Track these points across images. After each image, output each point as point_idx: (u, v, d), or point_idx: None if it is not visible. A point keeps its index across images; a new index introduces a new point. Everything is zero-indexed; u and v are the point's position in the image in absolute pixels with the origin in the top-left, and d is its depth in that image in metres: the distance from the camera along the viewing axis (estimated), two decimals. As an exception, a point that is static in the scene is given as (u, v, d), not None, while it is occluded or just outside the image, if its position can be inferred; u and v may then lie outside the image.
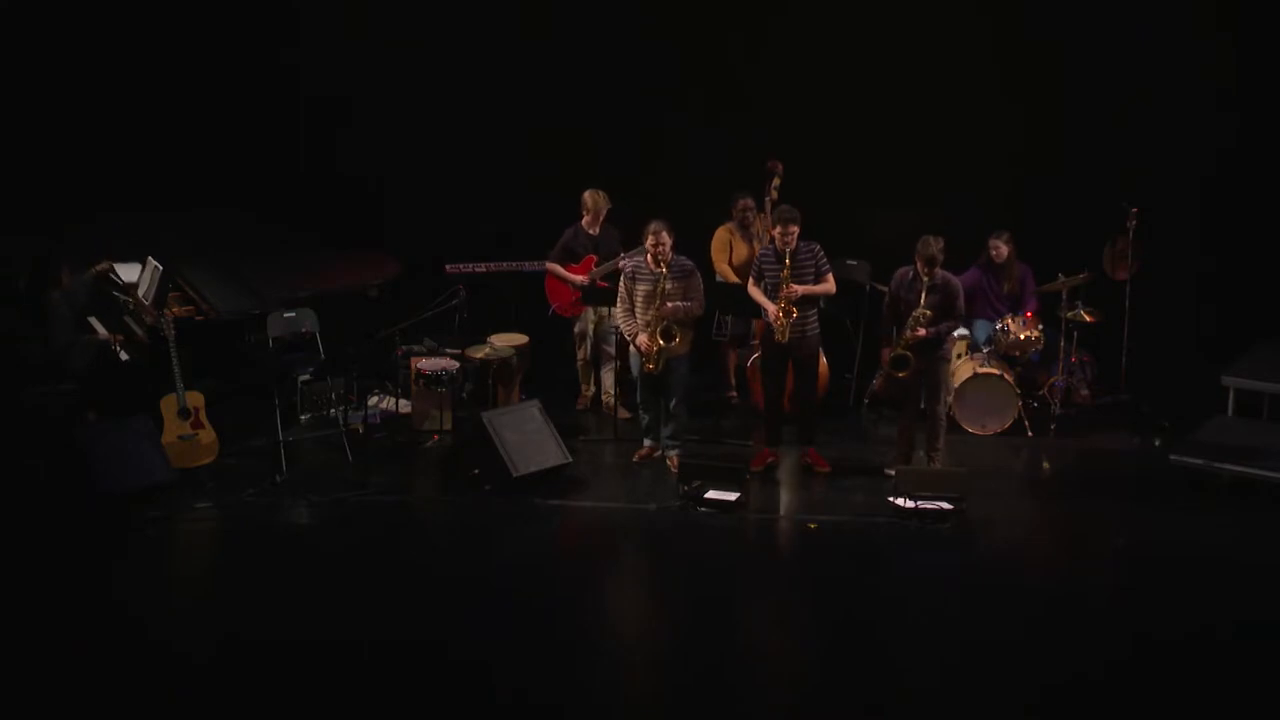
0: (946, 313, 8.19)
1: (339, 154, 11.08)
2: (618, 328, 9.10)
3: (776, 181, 9.41)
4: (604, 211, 9.38)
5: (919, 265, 8.13)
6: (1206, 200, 10.17)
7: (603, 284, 9.33)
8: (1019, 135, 10.19)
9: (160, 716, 5.95)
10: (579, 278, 9.37)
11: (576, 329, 9.61)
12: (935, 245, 8.06)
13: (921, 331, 8.09)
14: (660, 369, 8.41)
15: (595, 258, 9.36)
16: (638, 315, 8.43)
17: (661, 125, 10.68)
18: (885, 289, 8.48)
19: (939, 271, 8.13)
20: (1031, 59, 10.15)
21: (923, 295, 8.08)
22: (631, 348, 8.56)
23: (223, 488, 8.18)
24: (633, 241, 9.11)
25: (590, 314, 9.51)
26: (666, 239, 8.26)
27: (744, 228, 9.49)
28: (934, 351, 8.21)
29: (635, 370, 8.63)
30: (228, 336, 8.97)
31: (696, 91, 10.70)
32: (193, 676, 6.22)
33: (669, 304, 8.29)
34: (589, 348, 9.65)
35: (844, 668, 6.39)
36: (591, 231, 9.40)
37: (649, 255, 8.31)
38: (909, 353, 8.14)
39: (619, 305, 8.55)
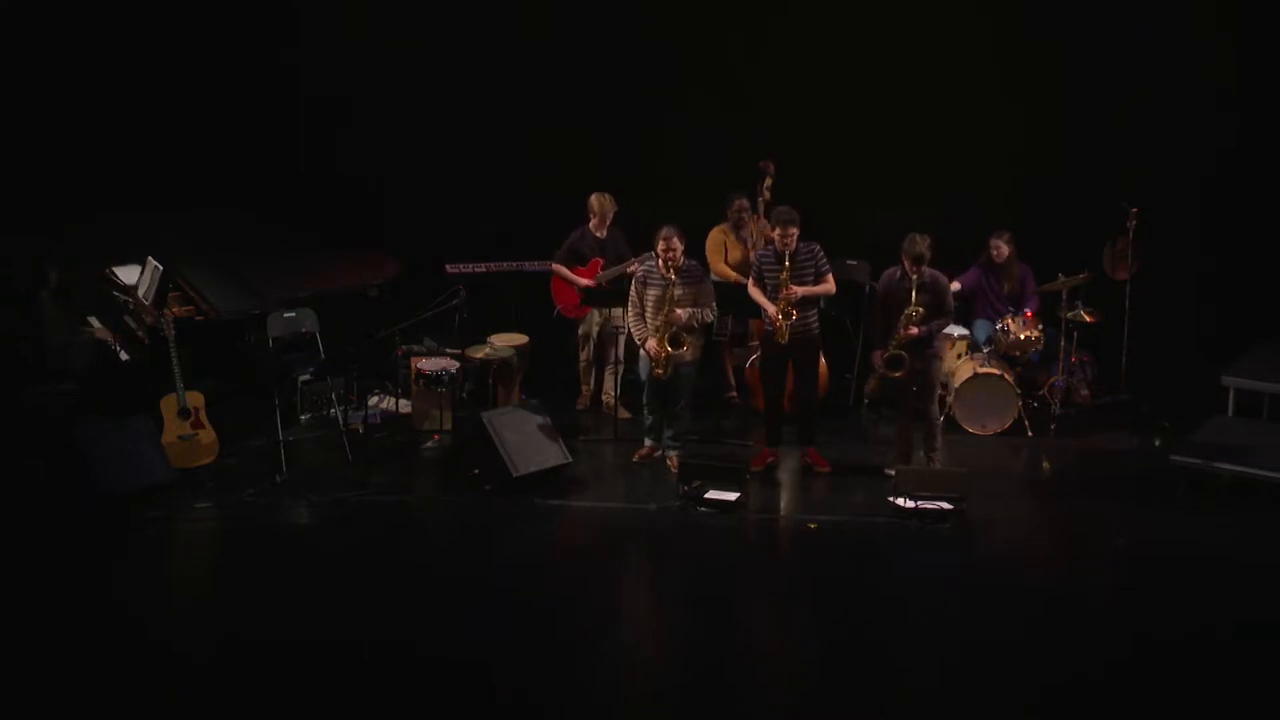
0: (937, 310, 8.19)
1: (339, 154, 11.08)
2: (619, 329, 9.13)
3: (768, 182, 9.39)
4: (610, 215, 9.38)
5: (906, 264, 8.11)
6: (1206, 200, 10.17)
7: (606, 286, 9.33)
8: (1019, 135, 10.20)
9: (160, 716, 5.95)
10: (584, 280, 9.36)
11: (580, 331, 9.61)
12: (922, 243, 8.05)
13: (914, 330, 8.08)
14: (669, 374, 8.41)
15: (601, 261, 9.35)
16: (647, 320, 8.42)
17: (661, 125, 10.68)
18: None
19: (927, 269, 8.12)
20: (1031, 59, 10.16)
21: (912, 294, 8.07)
22: (641, 351, 8.56)
23: (223, 488, 8.17)
24: (639, 244, 9.11)
25: (594, 316, 9.51)
26: (678, 245, 8.25)
27: (738, 229, 9.49)
28: (925, 350, 8.21)
29: (644, 374, 8.62)
30: (228, 336, 8.97)
31: (696, 91, 10.70)
32: (193, 676, 6.22)
33: (678, 311, 8.28)
34: (591, 349, 9.65)
35: (844, 668, 6.39)
36: (598, 235, 9.40)
37: (660, 260, 8.31)
38: (903, 352, 8.14)
39: (629, 309, 8.54)
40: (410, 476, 8.66)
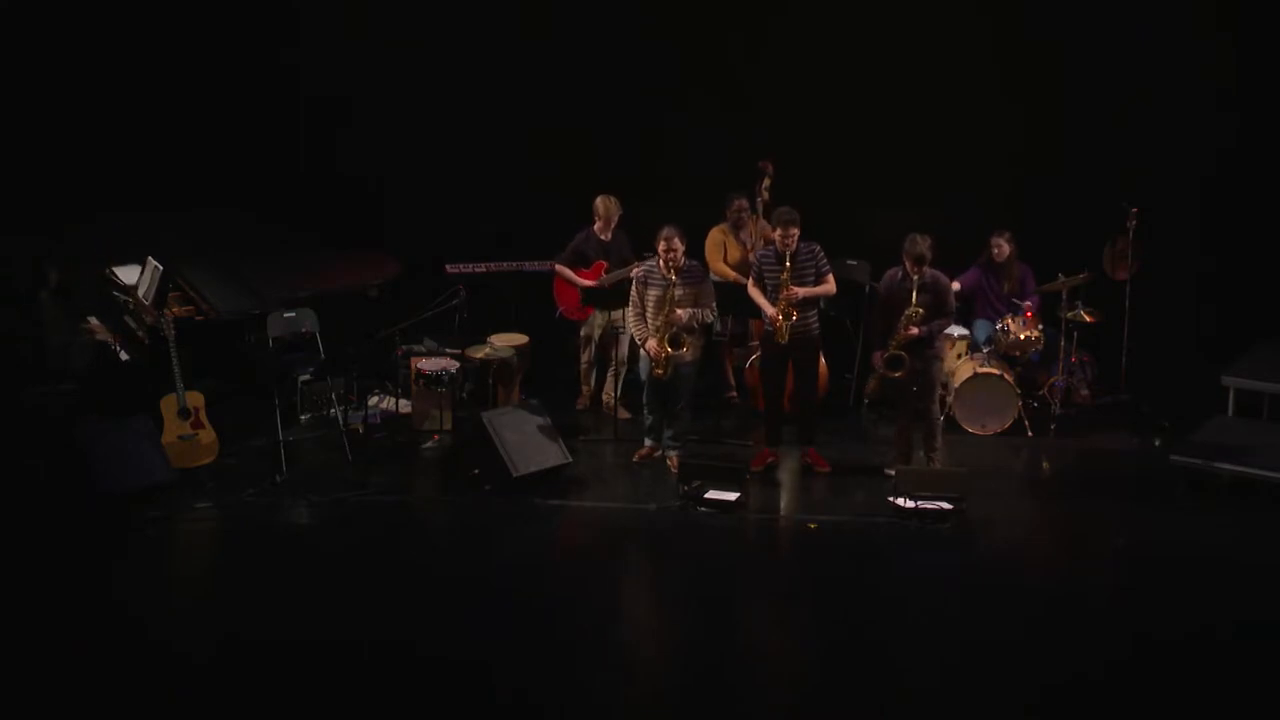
0: (938, 310, 8.19)
1: (339, 154, 11.08)
2: (620, 329, 9.13)
3: (767, 182, 9.36)
4: (615, 218, 9.37)
5: (907, 264, 8.11)
6: (1206, 200, 10.18)
7: (609, 287, 9.32)
8: (1019, 135, 10.20)
9: (160, 716, 5.95)
10: (587, 282, 9.36)
11: (582, 333, 9.60)
12: (923, 243, 8.05)
13: (914, 330, 8.08)
14: (669, 374, 8.41)
15: (605, 264, 9.34)
16: (648, 320, 8.42)
17: (661, 125, 10.68)
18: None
19: (928, 270, 8.12)
20: (1031, 59, 10.16)
21: (913, 294, 8.07)
22: (641, 351, 8.56)
23: (223, 488, 8.17)
24: (639, 244, 9.11)
25: (596, 318, 9.50)
26: (679, 245, 8.26)
27: (738, 229, 9.49)
28: (926, 350, 8.21)
29: (644, 373, 8.62)
30: (228, 336, 8.97)
31: (696, 91, 10.70)
32: (193, 676, 6.22)
33: (679, 311, 8.28)
34: (593, 351, 9.64)
35: (844, 668, 6.40)
36: (603, 237, 9.39)
37: (660, 261, 8.31)
38: (903, 352, 8.14)
39: (630, 309, 8.54)
40: (410, 476, 8.66)
